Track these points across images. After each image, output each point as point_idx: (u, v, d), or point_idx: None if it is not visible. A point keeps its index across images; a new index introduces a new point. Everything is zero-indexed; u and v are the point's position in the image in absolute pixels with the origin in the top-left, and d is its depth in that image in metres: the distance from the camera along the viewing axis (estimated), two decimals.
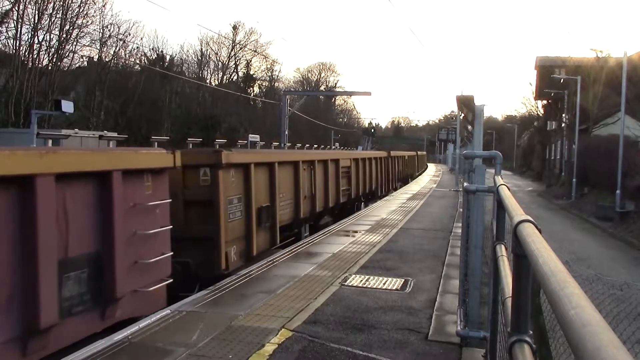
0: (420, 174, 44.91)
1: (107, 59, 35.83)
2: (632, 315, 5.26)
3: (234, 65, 56.44)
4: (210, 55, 54.09)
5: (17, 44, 27.73)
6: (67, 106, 14.39)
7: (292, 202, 11.52)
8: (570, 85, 31.98)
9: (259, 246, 9.52)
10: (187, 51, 60.49)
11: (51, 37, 29.17)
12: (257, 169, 9.49)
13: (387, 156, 25.54)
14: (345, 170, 16.62)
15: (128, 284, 5.72)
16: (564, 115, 36.58)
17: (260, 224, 9.54)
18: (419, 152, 52.19)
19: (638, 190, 20.27)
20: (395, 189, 26.99)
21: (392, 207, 17.83)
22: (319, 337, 5.23)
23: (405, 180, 33.59)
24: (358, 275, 7.82)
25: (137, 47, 40.47)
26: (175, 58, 49.19)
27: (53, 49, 29.62)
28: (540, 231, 1.70)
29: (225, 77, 55.52)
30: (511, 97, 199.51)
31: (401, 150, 39.11)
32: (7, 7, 27.05)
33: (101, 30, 33.33)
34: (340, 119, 79.93)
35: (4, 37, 28.20)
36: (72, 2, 29.33)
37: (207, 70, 54.73)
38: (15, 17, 27.38)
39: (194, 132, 34.31)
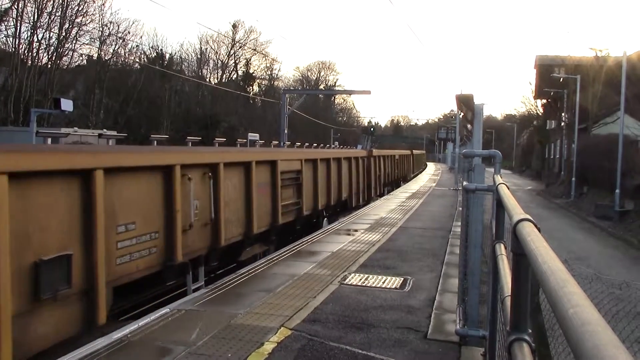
0: (418, 174, 44.66)
1: (106, 58, 35.86)
2: (631, 314, 5.28)
3: (233, 64, 56.48)
4: (210, 54, 54.15)
5: (17, 42, 27.79)
6: (67, 105, 14.42)
7: (160, 237, 6.91)
8: (569, 84, 32.03)
9: (34, 339, 4.97)
10: (187, 50, 60.61)
11: (50, 35, 29.25)
12: (29, 186, 4.92)
13: (367, 156, 20.85)
14: (292, 177, 12.10)
15: None
16: (563, 114, 36.62)
17: (41, 292, 4.95)
18: (415, 151, 46.85)
19: (637, 190, 20.30)
20: (381, 195, 23.19)
21: (391, 206, 17.85)
22: (318, 336, 5.23)
23: (396, 184, 30.17)
24: (357, 274, 7.82)
25: (137, 46, 40.58)
26: (175, 56, 49.28)
27: (52, 47, 29.69)
28: (539, 230, 1.70)
29: (224, 75, 55.52)
30: (511, 96, 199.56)
31: (401, 149, 38.92)
32: (7, 5, 27.08)
33: (100, 29, 33.43)
34: (340, 118, 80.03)
35: (3, 35, 28.28)
36: (71, 0, 29.37)
37: (207, 69, 54.77)
38: (14, 15, 27.42)
39: (193, 131, 34.26)
